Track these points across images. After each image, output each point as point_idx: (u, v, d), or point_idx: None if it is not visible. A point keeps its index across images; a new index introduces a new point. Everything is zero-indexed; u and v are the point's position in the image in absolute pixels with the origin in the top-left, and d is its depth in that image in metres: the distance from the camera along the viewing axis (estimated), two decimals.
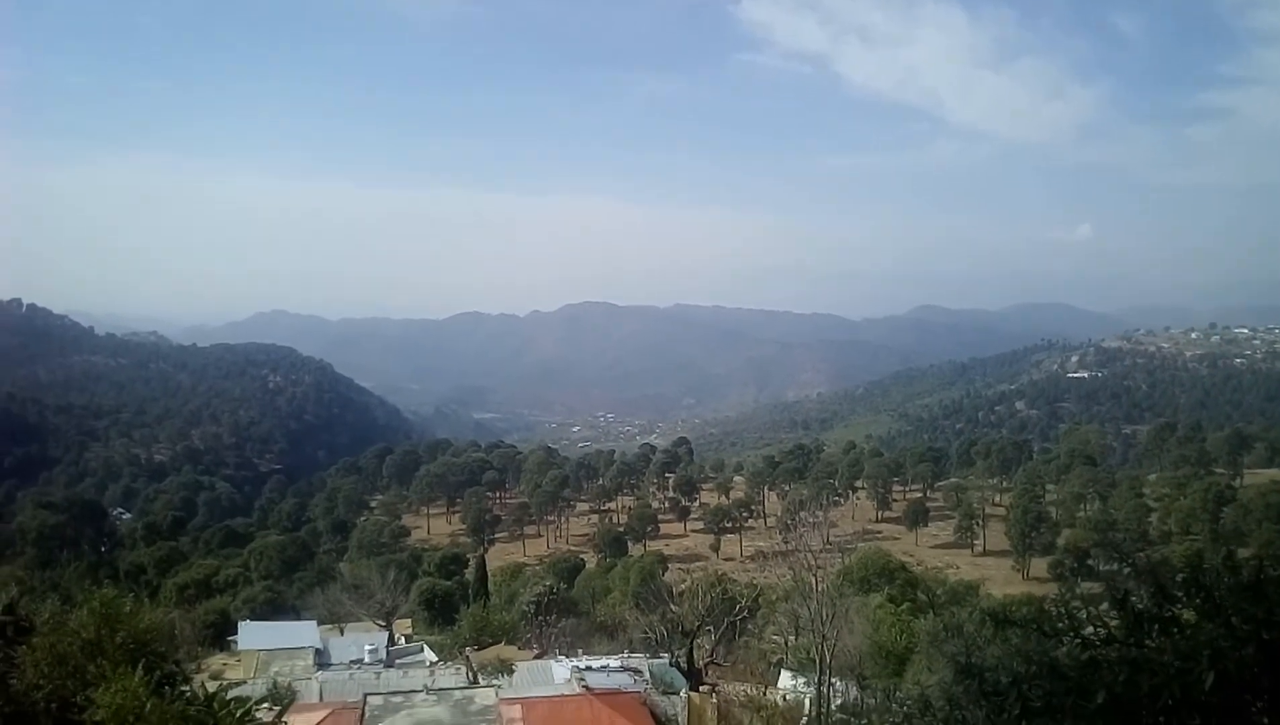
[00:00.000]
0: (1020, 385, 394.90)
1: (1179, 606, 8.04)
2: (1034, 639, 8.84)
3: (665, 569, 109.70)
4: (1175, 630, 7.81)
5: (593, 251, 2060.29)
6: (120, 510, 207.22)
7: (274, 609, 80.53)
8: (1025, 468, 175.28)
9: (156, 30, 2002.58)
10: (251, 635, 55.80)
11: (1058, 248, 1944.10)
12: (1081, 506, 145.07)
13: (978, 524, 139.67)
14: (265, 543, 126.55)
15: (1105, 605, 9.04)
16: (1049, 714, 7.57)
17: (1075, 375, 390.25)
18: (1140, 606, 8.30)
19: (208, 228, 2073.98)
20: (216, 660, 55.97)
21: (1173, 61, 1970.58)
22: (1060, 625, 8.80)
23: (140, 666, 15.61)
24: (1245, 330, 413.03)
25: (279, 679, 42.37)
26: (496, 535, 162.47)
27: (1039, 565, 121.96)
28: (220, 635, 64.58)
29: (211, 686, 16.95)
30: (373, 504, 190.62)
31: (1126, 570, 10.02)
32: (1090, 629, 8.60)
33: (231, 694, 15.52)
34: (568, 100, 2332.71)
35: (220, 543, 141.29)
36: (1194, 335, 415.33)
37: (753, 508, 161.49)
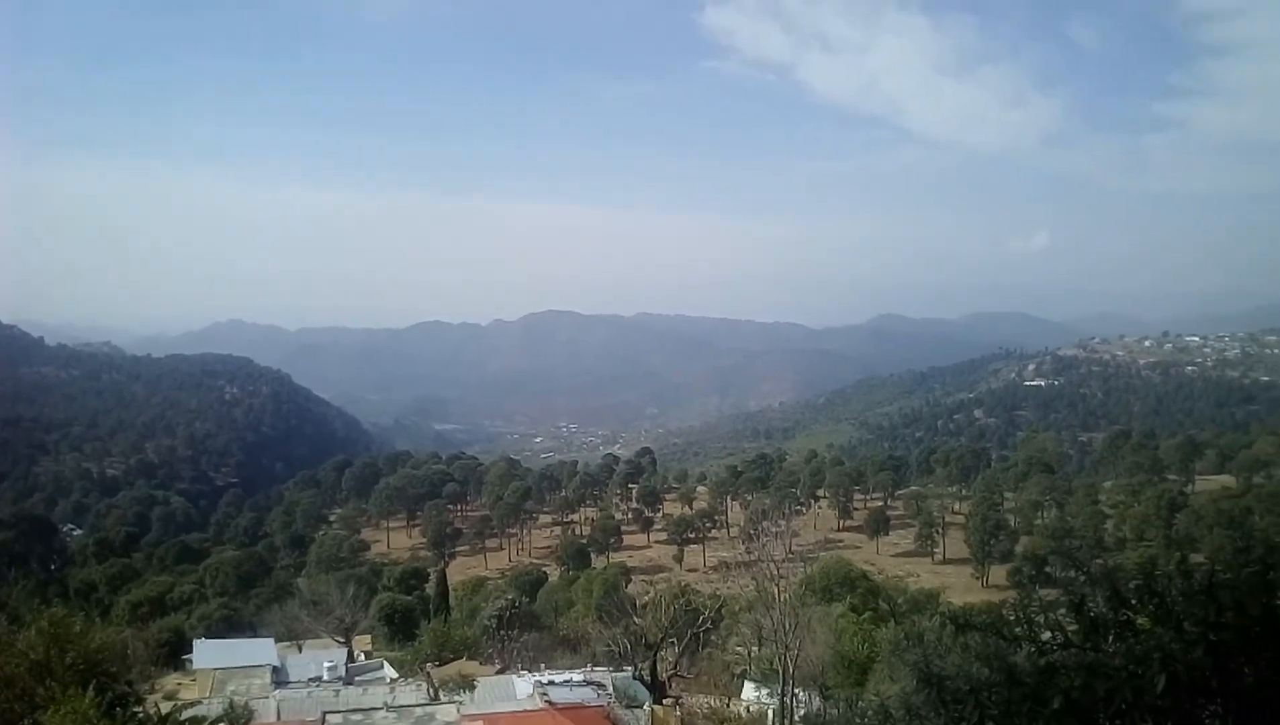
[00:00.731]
0: (979, 393, 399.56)
1: (1133, 612, 8.23)
2: (992, 644, 8.99)
3: (628, 581, 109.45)
4: (1130, 635, 7.99)
5: (556, 259, 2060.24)
6: (71, 526, 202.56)
7: (230, 627, 79.22)
8: (984, 476, 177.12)
9: (112, 33, 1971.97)
10: (207, 654, 54.86)
11: (1016, 257, 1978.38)
12: (1039, 514, 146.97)
13: (938, 532, 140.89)
14: (221, 559, 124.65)
15: (1062, 611, 9.22)
16: (1006, 720, 7.71)
17: (1032, 383, 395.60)
18: (1096, 612, 8.48)
19: (163, 235, 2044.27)
20: (171, 680, 54.77)
21: (1128, 71, 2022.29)
22: (1018, 631, 8.96)
23: (91, 688, 15.32)
24: (1196, 339, 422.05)
25: (235, 698, 41.65)
26: (458, 549, 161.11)
27: (998, 573, 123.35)
28: (175, 654, 63.29)
29: (165, 707, 16.66)
30: (331, 518, 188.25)
31: (1083, 577, 10.24)
32: (1048, 634, 8.78)
33: (186, 714, 15.28)
34: (530, 105, 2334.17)
35: (175, 559, 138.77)
36: (1147, 343, 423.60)
37: (716, 518, 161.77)
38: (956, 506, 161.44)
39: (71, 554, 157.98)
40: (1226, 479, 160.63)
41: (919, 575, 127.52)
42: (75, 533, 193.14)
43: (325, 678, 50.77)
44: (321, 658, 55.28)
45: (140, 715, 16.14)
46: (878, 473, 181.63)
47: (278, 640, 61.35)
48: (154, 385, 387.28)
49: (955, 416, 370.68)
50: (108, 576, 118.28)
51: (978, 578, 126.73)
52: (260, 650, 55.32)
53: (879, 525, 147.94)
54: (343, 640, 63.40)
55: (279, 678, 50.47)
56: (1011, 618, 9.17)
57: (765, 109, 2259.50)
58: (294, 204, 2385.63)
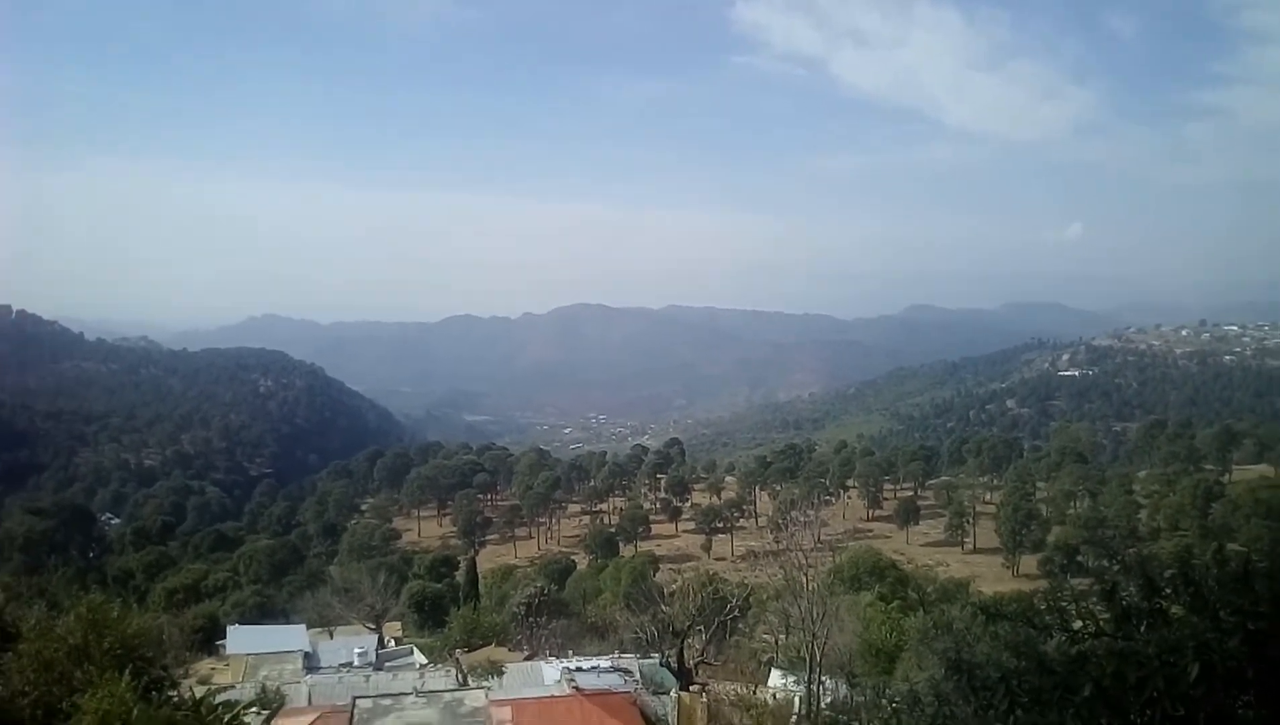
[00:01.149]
0: (1011, 383, 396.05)
1: (1167, 600, 8.04)
2: (1023, 633, 8.85)
3: (656, 569, 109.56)
4: (1163, 624, 7.81)
5: (585, 253, 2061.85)
6: (109, 515, 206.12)
7: (263, 613, 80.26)
8: (1016, 466, 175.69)
9: (144, 34, 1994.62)
10: (240, 639, 55.60)
11: (1050, 247, 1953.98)
12: (1072, 504, 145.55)
13: (968, 522, 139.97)
14: (255, 547, 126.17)
15: (1094, 600, 9.03)
16: (1036, 708, 7.56)
17: (1066, 373, 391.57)
18: (1128, 601, 8.30)
19: (199, 232, 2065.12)
20: (205, 665, 55.54)
21: (1167, 60, 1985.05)
22: (1049, 619, 8.80)
23: (127, 672, 15.50)
24: (1235, 327, 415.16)
25: (267, 683, 42.15)
26: (488, 537, 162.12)
27: (1029, 562, 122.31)
28: (209, 640, 64.18)
29: (199, 691, 16.83)
30: (363, 507, 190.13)
31: (1115, 566, 10.02)
32: (1079, 623, 8.61)
33: (219, 698, 15.41)
34: (562, 102, 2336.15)
35: (209, 547, 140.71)
36: (1184, 332, 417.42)
37: (744, 507, 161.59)
38: (988, 496, 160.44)
39: (110, 542, 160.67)
40: (1265, 469, 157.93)
41: (949, 565, 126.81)
42: (113, 522, 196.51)
43: (356, 663, 51.29)
44: (352, 644, 55.86)
45: (175, 699, 16.30)
46: (908, 463, 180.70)
47: (310, 627, 62.08)
48: (190, 379, 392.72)
49: (988, 406, 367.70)
50: (144, 564, 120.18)
51: (1008, 567, 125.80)
52: (292, 636, 55.99)
53: (909, 515, 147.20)
54: (373, 627, 64.01)
55: (310, 663, 51.06)
56: (1042, 606, 9.01)
57: (797, 104, 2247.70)
58: (328, 201, 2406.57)
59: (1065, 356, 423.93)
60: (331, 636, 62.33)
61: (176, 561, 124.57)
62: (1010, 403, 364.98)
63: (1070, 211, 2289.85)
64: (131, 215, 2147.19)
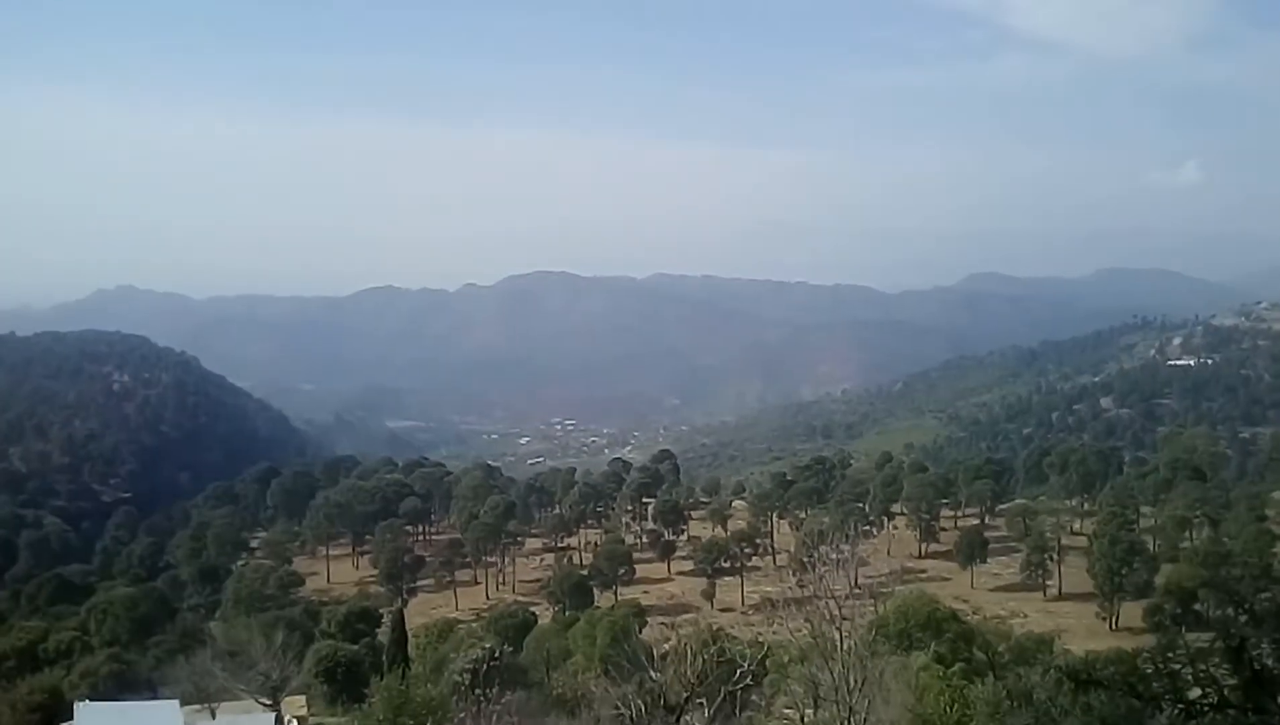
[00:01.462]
0: (1106, 377, 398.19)
1: None
2: (1124, 705, 8.99)
3: (644, 624, 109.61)
4: None
5: (547, 203, 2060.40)
6: None
7: (123, 685, 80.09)
8: (1113, 484, 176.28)
9: None
10: (92, 721, 55.49)
11: (1156, 196, 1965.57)
12: (1186, 534, 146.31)
13: (1051, 559, 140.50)
14: (110, 597, 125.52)
15: (1216, 661, 9.19)
16: None
17: (1178, 363, 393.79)
18: (1260, 662, 8.45)
19: (28, 177, 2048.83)
20: None
21: None
22: (1157, 687, 8.95)
23: None
24: None
25: None
26: (419, 583, 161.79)
27: (1131, 611, 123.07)
28: (51, 721, 64.13)
29: None
30: (254, 544, 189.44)
31: (1244, 617, 10.18)
32: (1196, 691, 8.75)
33: None
34: (508, 6, 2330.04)
35: (49, 598, 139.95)
36: None
37: (758, 542, 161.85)
38: (1077, 525, 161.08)
39: None
40: None
41: (1026, 615, 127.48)
42: None
43: None
44: (242, 724, 55.84)
45: None
46: (972, 482, 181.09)
47: (185, 703, 61.98)
48: (19, 372, 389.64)
49: (1075, 407, 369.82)
50: None
51: (1104, 618, 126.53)
52: (162, 715, 55.95)
53: (974, 550, 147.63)
54: (270, 702, 63.98)
55: None
56: (1149, 669, 9.16)
57: (823, 3, 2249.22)
58: (203, 135, 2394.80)
59: (1177, 340, 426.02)
60: (214, 716, 62.26)
61: (5, 617, 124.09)
62: (1105, 402, 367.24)
63: (1183, 149, 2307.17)
64: None
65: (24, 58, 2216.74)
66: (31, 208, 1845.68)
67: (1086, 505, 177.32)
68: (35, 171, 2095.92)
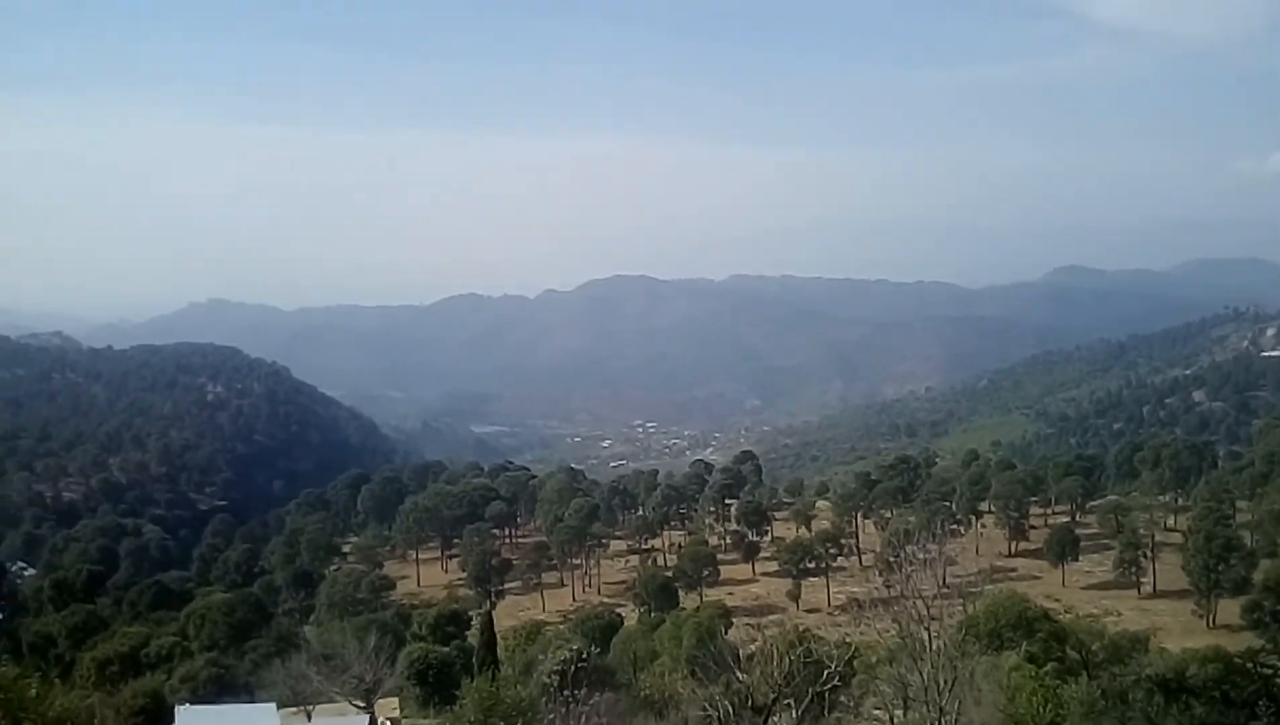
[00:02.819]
0: (1199, 369, 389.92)
1: None
2: (1218, 710, 8.81)
3: (729, 625, 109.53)
4: None
5: (625, 209, 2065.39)
6: (21, 564, 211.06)
7: (221, 688, 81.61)
8: (1208, 479, 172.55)
9: None
10: (193, 723, 56.58)
11: (1245, 184, 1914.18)
12: None
13: (1145, 556, 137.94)
14: (208, 603, 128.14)
15: None
16: None
17: (1273, 354, 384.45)
18: None
19: (125, 193, 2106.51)
20: None
21: None
22: (1251, 689, 8.73)
23: None
24: None
25: None
26: (507, 585, 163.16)
27: (1229, 608, 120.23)
28: (153, 723, 65.49)
29: None
30: (345, 549, 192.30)
31: None
32: None
33: None
34: (590, 15, 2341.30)
35: (150, 604, 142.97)
36: None
37: (843, 542, 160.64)
38: (1171, 521, 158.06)
39: (23, 600, 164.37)
40: None
41: (1120, 614, 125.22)
42: (27, 573, 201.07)
43: None
44: None
45: None
46: (1062, 478, 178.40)
47: (281, 705, 62.96)
48: (118, 385, 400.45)
49: (1167, 401, 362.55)
50: (68, 627, 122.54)
51: (1201, 616, 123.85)
52: (259, 717, 56.88)
53: (1065, 548, 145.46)
54: (363, 704, 64.80)
55: None
56: (1247, 671, 8.95)
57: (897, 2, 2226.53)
58: (288, 150, 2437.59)
59: (1271, 331, 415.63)
60: (309, 718, 63.23)
61: (108, 623, 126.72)
62: (1198, 395, 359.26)
63: (1270, 136, 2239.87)
64: (35, 177, 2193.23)
65: (119, 80, 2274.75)
66: (126, 224, 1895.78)
67: (1180, 501, 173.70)
68: (130, 188, 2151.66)
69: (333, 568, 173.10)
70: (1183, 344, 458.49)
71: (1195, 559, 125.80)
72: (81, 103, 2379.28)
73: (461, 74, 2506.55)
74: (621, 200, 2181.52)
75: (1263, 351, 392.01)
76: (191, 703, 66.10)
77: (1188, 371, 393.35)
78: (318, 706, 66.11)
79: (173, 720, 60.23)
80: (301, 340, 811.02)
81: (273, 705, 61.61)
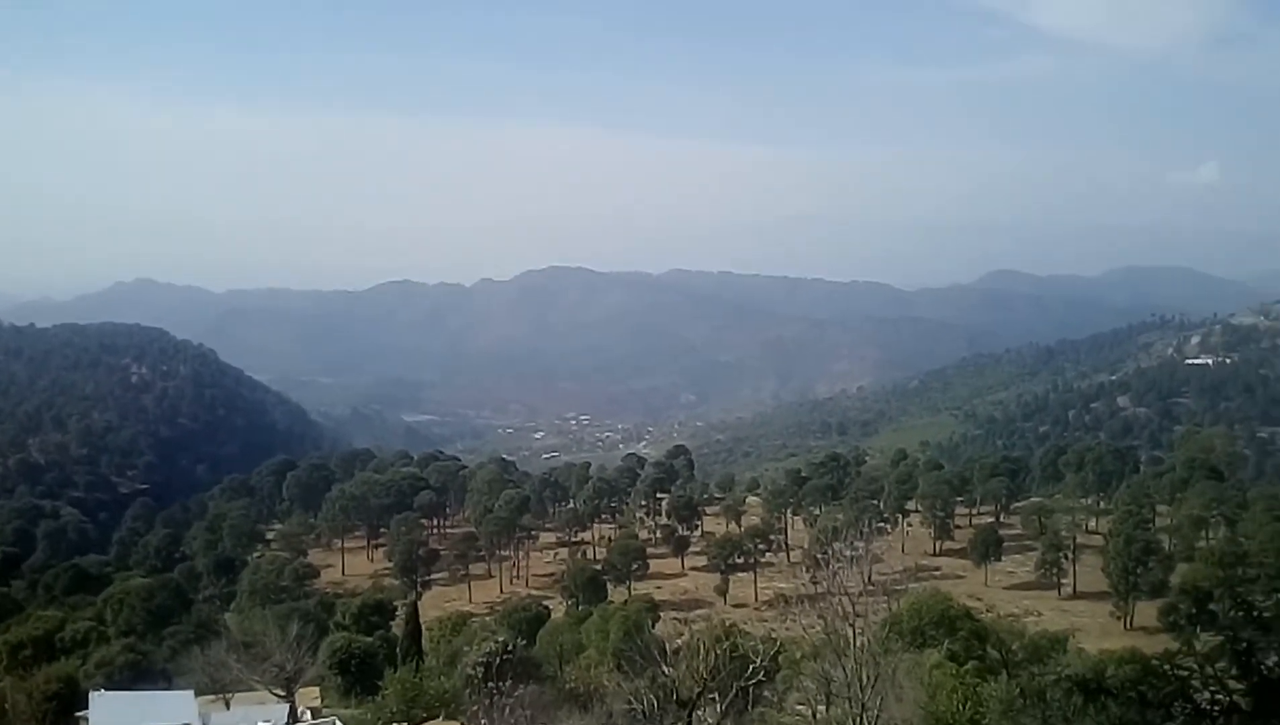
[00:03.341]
0: (1124, 375, 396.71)
1: None
2: (1135, 709, 8.91)
3: (656, 619, 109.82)
4: None
5: (564, 200, 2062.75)
6: None
7: (138, 675, 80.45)
8: (1130, 483, 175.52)
9: None
10: (108, 710, 55.77)
11: (1176, 195, 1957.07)
12: (1203, 534, 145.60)
13: (1066, 557, 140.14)
14: (126, 587, 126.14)
15: (1225, 665, 9.12)
16: None
17: (1196, 362, 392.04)
18: (1269, 668, 8.36)
19: (50, 169, 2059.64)
20: None
21: None
22: (1168, 690, 8.86)
23: None
24: None
25: None
26: (433, 576, 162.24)
27: (1146, 611, 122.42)
28: (67, 710, 64.44)
29: None
30: (269, 536, 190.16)
31: (1252, 620, 10.10)
32: (1206, 695, 8.67)
33: None
34: (539, 4, 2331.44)
35: (66, 588, 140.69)
36: None
37: (772, 538, 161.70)
38: (1093, 523, 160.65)
39: None
40: None
41: (1041, 614, 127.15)
42: None
43: None
44: (256, 715, 56.13)
45: None
46: (988, 479, 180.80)
47: (199, 693, 62.26)
48: (39, 364, 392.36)
49: (1093, 405, 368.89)
50: None
51: (1119, 617, 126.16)
52: (177, 706, 56.21)
53: (988, 548, 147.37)
54: (284, 693, 64.15)
55: None
56: (1162, 673, 9.08)
57: (843, 1, 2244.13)
58: (223, 131, 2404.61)
59: (1195, 339, 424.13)
60: (228, 706, 62.54)
61: (23, 607, 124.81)
62: (1122, 401, 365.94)
63: (1203, 147, 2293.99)
64: None
65: (47, 52, 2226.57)
66: (52, 200, 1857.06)
67: (1102, 504, 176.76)
68: (56, 164, 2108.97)
69: (255, 554, 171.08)
70: (1109, 350, 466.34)
71: (1115, 561, 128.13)
72: (11, 76, 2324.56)
73: (403, 59, 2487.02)
74: (561, 191, 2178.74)
75: (1186, 359, 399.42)
76: (107, 689, 65.04)
77: (1113, 377, 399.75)
78: (237, 695, 65.46)
79: (87, 706, 59.33)
80: (230, 323, 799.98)
81: (190, 693, 60.94)
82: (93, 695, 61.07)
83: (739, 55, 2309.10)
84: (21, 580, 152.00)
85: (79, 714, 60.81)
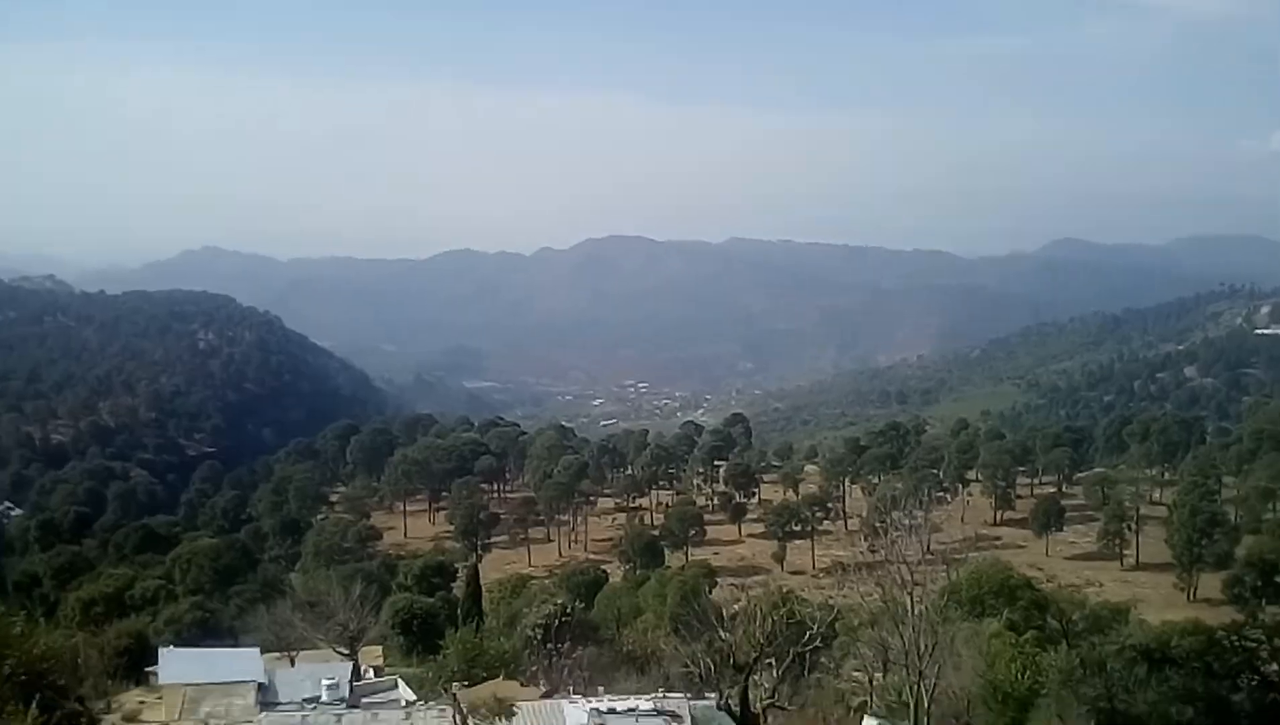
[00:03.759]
0: (1191, 345, 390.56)
1: None
2: (1200, 680, 8.72)
3: (714, 584, 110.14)
4: None
5: (623, 169, 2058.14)
6: (8, 505, 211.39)
7: (205, 632, 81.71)
8: (1196, 454, 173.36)
9: None
10: (176, 666, 56.61)
11: (1247, 161, 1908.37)
12: (1270, 506, 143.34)
13: (1130, 528, 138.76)
14: (194, 547, 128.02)
15: None
16: None
17: (1266, 331, 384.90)
18: None
19: (120, 139, 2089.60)
20: (132, 697, 56.89)
21: None
22: (1235, 662, 8.65)
23: (34, 704, 15.92)
24: None
25: (212, 722, 43.06)
26: (494, 539, 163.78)
27: (1210, 583, 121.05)
28: (137, 665, 65.44)
29: None
30: (334, 498, 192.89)
31: None
32: (1274, 667, 8.46)
33: None
34: None
35: (136, 547, 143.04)
36: None
37: (830, 506, 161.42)
38: (1157, 494, 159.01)
39: (10, 539, 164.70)
40: None
41: (1103, 584, 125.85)
42: (14, 513, 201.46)
43: (325, 698, 52.07)
44: (320, 673, 56.69)
45: None
46: (1050, 449, 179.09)
47: (265, 651, 63.03)
48: (110, 330, 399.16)
49: (1159, 375, 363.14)
50: (54, 568, 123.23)
51: (1182, 589, 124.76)
52: (243, 663, 56.92)
53: (1050, 518, 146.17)
54: (347, 652, 64.94)
55: (266, 697, 51.90)
56: (1226, 645, 8.85)
57: None
58: (285, 101, 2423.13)
59: (1265, 309, 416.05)
60: (293, 664, 63.32)
61: (94, 565, 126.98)
62: (1189, 371, 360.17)
63: (1276, 115, 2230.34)
64: (32, 117, 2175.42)
65: (120, 20, 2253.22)
66: (125, 169, 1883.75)
67: (1167, 475, 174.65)
68: (128, 135, 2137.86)
69: (320, 517, 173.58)
70: (1176, 319, 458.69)
71: (1179, 533, 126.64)
72: (81, 47, 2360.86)
73: (465, 26, 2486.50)
74: (621, 160, 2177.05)
75: (1256, 329, 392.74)
76: (175, 645, 66.09)
77: (1180, 347, 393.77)
78: (301, 653, 66.23)
79: (156, 662, 60.36)
80: (295, 291, 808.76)
81: (256, 650, 61.70)
82: (162, 651, 62.05)
83: (791, 23, 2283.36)
84: (93, 539, 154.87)
85: (149, 669, 61.77)
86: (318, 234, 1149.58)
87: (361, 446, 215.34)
